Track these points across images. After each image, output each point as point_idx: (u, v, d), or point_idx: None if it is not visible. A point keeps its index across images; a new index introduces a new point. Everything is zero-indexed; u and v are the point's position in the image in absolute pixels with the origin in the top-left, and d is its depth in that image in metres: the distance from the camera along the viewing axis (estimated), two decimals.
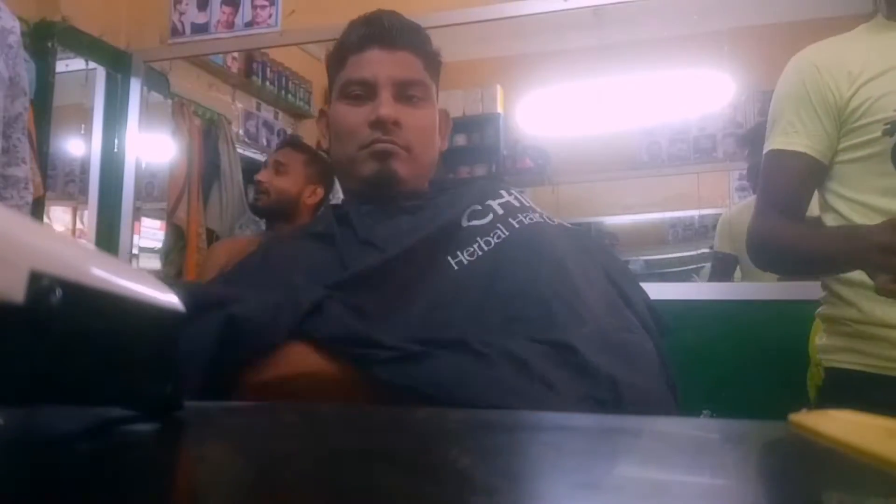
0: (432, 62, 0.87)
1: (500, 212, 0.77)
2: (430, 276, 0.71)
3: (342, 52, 0.86)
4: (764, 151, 1.12)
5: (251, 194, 2.13)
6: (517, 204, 0.80)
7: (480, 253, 0.73)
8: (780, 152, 1.09)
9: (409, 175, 0.83)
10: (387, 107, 0.80)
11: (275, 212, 1.97)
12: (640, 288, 0.80)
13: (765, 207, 1.11)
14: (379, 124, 0.81)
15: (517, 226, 0.76)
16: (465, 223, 0.76)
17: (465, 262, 0.72)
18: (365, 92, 0.82)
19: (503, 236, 0.74)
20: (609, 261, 0.81)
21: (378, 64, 0.82)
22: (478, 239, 0.74)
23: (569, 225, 0.86)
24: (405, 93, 0.83)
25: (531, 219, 0.78)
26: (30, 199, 1.42)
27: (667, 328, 0.79)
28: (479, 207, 0.78)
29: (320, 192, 1.99)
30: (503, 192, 0.81)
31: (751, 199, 2.79)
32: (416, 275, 0.71)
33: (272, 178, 1.95)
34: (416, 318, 0.67)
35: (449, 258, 0.72)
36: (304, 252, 0.79)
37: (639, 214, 4.27)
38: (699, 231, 4.22)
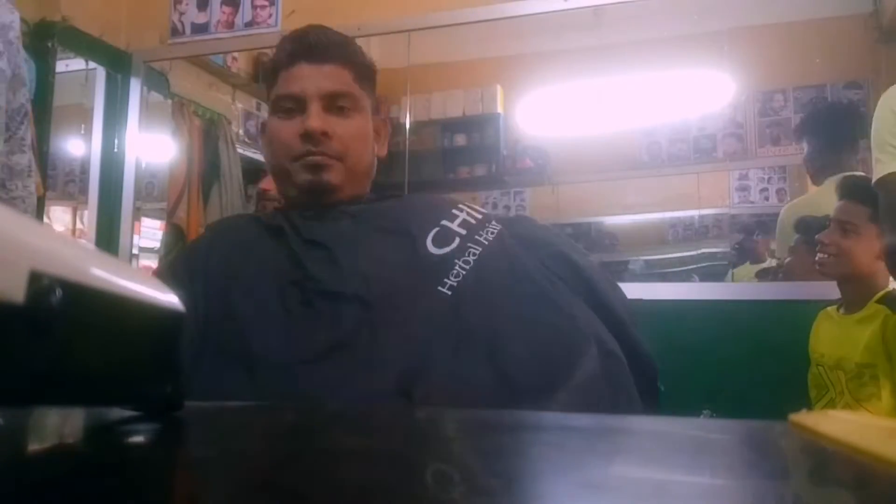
0: (363, 73, 0.90)
1: (464, 232, 0.82)
2: (427, 310, 0.74)
3: (274, 68, 0.90)
4: (874, 181, 1.30)
5: (253, 201, 2.13)
6: (473, 220, 0.84)
7: (464, 272, 0.77)
8: (892, 174, 1.26)
9: (342, 183, 0.86)
10: (315, 119, 0.84)
11: None
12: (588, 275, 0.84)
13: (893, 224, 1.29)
14: (308, 136, 0.84)
15: (485, 242, 0.81)
16: (434, 251, 0.79)
17: (455, 283, 0.76)
18: (296, 106, 0.86)
19: (478, 251, 0.79)
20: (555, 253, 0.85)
21: (306, 78, 0.86)
22: (456, 261, 0.78)
23: (508, 218, 0.93)
24: (334, 104, 0.86)
25: (492, 232, 0.83)
26: (33, 188, 1.41)
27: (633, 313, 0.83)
28: (438, 229, 0.82)
29: None
30: (455, 210, 0.85)
31: (804, 196, 2.68)
32: (408, 314, 0.74)
33: (275, 185, 1.97)
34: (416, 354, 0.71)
35: (440, 288, 0.75)
36: (257, 245, 0.83)
37: (639, 214, 4.26)
38: (699, 231, 4.22)
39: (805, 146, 2.38)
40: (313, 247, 0.79)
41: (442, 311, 0.73)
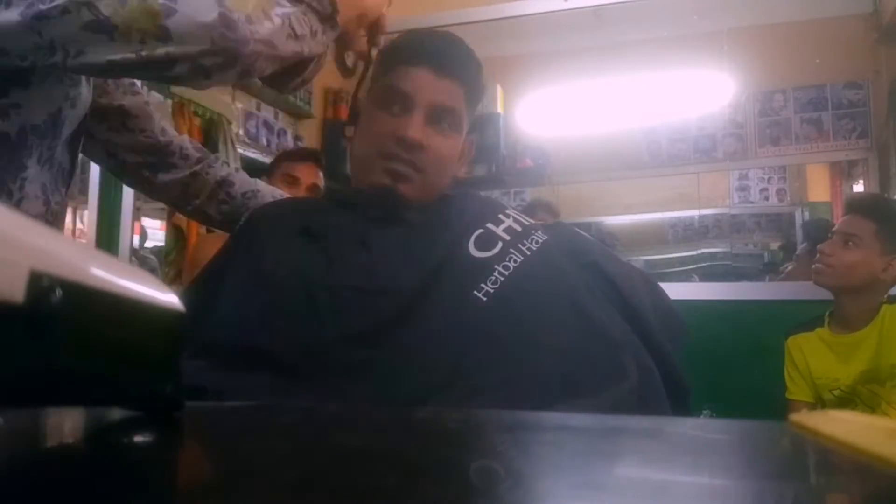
0: (474, 93, 0.89)
1: (507, 238, 0.81)
2: (460, 311, 0.73)
3: (395, 56, 0.87)
4: None
5: None
6: (519, 228, 0.83)
7: (502, 279, 0.76)
8: None
9: (414, 196, 0.85)
10: (416, 130, 0.82)
11: None
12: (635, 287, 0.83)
13: None
14: (403, 143, 0.83)
15: (528, 252, 0.80)
16: (475, 253, 0.79)
17: (492, 290, 0.75)
18: (401, 103, 0.84)
19: (519, 260, 0.78)
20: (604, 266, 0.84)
21: (424, 86, 0.83)
22: (496, 267, 0.77)
23: (559, 226, 0.90)
24: (437, 118, 0.85)
25: (537, 241, 0.81)
26: None
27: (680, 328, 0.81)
28: (482, 231, 0.81)
29: None
30: (501, 216, 0.84)
31: None
32: (442, 313, 0.73)
33: (286, 190, 1.98)
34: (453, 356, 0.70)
35: (476, 293, 0.75)
36: (291, 245, 0.82)
37: (639, 214, 4.27)
38: (699, 231, 4.23)
39: None
40: (353, 248, 0.79)
41: (475, 318, 0.72)
